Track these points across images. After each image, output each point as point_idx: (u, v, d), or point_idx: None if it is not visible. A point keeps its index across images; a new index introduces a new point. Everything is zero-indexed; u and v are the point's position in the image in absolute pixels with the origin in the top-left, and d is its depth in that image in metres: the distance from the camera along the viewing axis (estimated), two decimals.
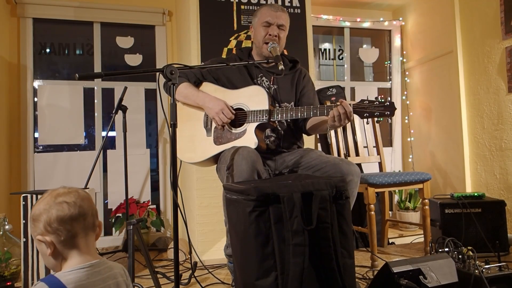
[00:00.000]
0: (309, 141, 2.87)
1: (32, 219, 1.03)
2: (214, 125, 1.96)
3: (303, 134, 2.15)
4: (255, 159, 1.71)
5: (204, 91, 2.00)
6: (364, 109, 1.73)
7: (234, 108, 1.93)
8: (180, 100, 2.04)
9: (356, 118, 1.89)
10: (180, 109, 2.04)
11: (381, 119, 1.72)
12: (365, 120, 3.05)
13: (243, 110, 1.92)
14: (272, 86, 2.04)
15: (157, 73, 3.34)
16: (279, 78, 2.05)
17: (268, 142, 1.99)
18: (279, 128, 2.01)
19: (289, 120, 2.03)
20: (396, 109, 1.72)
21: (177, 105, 1.95)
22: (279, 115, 1.86)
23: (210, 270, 2.39)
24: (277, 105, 2.00)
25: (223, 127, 1.93)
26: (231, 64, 1.80)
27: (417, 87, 4.02)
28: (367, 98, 1.75)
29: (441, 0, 3.61)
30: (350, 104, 1.72)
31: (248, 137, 1.87)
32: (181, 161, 2.03)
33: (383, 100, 1.72)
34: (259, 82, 2.03)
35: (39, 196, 2.05)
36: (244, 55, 2.12)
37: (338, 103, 1.71)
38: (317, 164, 1.85)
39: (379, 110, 1.71)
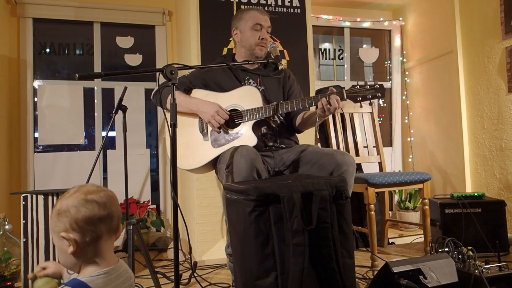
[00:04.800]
0: (309, 140, 2.87)
1: (57, 213, 0.98)
2: (210, 128, 1.97)
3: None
4: (254, 157, 1.72)
5: (196, 97, 2.02)
6: (356, 94, 1.80)
7: (229, 109, 1.95)
8: None
9: (356, 117, 1.90)
10: None
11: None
12: (364, 120, 3.08)
13: (238, 110, 1.93)
14: (259, 87, 2.07)
15: (157, 73, 3.33)
16: (265, 80, 2.10)
17: (265, 139, 2.01)
18: (274, 125, 2.04)
19: (281, 117, 2.07)
20: (385, 89, 1.83)
21: None
22: (276, 110, 1.88)
23: (210, 270, 2.39)
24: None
25: (220, 130, 1.94)
26: (226, 64, 1.86)
27: (417, 87, 4.02)
28: (357, 83, 1.83)
29: (441, 0, 3.61)
30: (341, 92, 1.80)
31: (246, 136, 1.89)
32: None
33: (373, 83, 1.81)
34: (246, 84, 2.07)
35: (39, 196, 2.06)
36: (228, 60, 2.14)
37: (329, 92, 1.77)
38: (313, 157, 1.88)
39: (371, 93, 1.80)
